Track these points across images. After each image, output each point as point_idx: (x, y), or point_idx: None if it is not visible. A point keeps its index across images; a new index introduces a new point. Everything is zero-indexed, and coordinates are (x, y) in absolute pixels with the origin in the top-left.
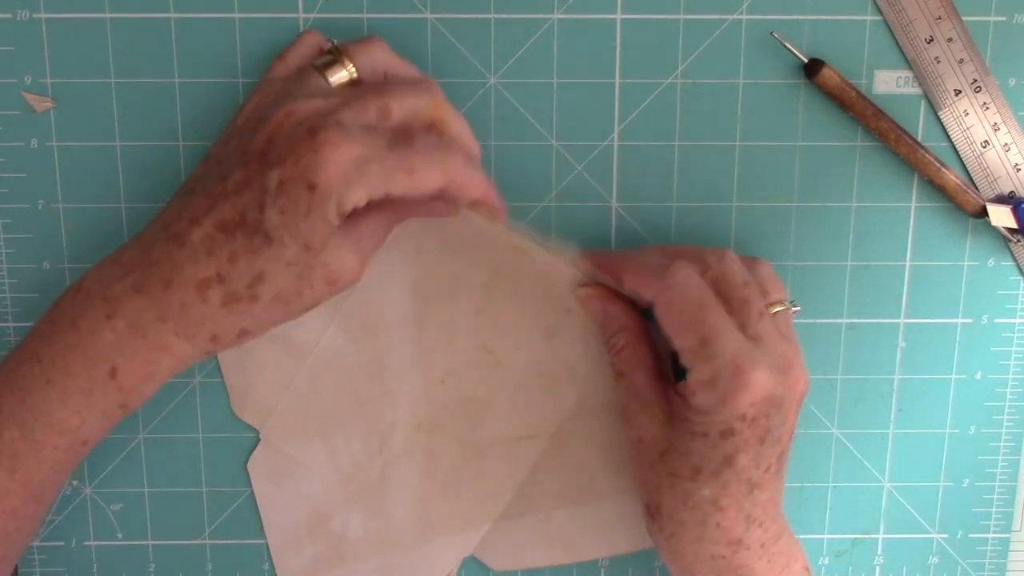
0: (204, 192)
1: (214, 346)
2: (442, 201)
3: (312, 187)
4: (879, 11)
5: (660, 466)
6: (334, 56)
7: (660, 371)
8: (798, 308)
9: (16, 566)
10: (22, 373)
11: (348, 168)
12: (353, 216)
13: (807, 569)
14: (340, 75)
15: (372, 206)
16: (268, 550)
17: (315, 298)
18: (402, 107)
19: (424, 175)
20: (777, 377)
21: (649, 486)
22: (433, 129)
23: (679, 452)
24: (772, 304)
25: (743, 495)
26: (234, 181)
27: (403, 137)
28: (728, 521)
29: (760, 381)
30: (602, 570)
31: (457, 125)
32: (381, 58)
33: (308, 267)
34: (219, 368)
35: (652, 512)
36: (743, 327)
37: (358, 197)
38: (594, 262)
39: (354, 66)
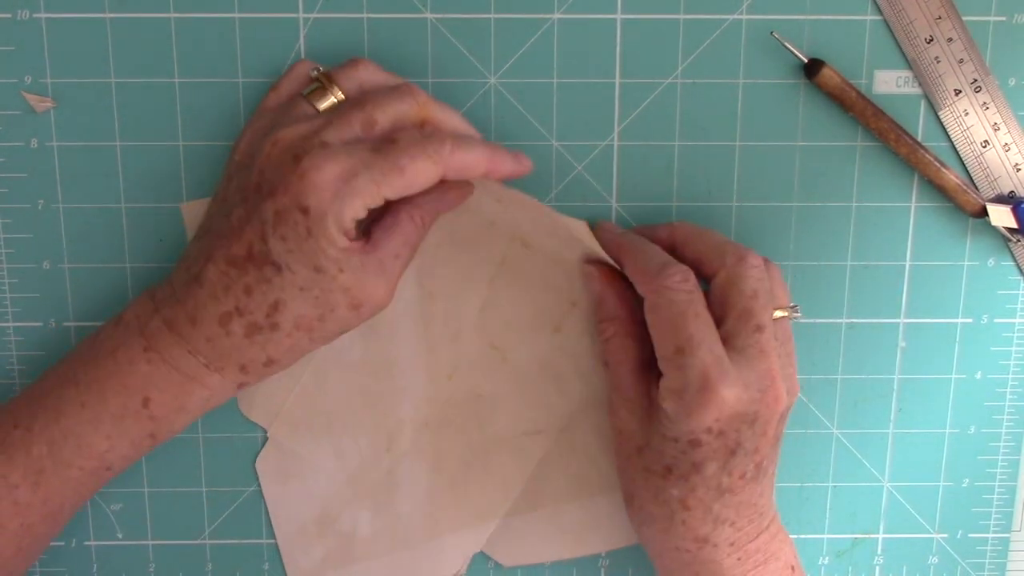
0: (215, 231)
1: (244, 377)
2: (452, 189)
3: (305, 210)
4: (879, 11)
5: (636, 459)
6: (321, 83)
7: (645, 366)
8: (798, 315)
9: None
10: (58, 393)
11: (336, 184)
12: (372, 239)
13: (792, 568)
14: (327, 100)
15: (389, 225)
16: (268, 550)
17: (340, 324)
18: (386, 114)
19: (416, 169)
20: (751, 394)
21: (625, 476)
22: (424, 127)
23: (654, 450)
24: (775, 309)
25: (712, 499)
26: (236, 218)
27: (387, 140)
28: (694, 520)
29: (728, 399)
30: (602, 569)
31: (446, 117)
32: (368, 78)
33: (324, 291)
34: None
35: (627, 500)
36: (732, 338)
37: (354, 210)
38: (605, 239)
39: (340, 90)
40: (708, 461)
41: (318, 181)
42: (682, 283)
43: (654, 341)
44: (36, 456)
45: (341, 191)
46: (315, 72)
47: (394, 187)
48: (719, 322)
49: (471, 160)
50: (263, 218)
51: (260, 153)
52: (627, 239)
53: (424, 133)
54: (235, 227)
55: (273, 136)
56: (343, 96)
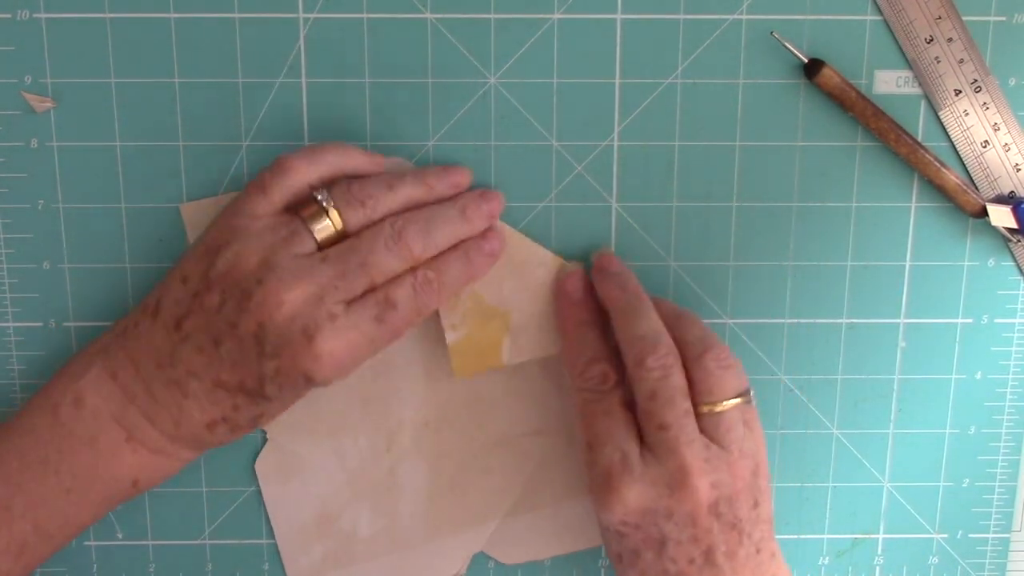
0: (195, 344)
1: (224, 444)
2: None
3: (309, 379)
4: (879, 11)
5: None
6: (319, 207)
7: None
8: (751, 404)
9: None
10: (38, 480)
11: (343, 360)
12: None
13: None
14: (324, 226)
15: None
16: (268, 550)
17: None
18: (385, 275)
19: (406, 325)
20: (658, 491)
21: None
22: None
23: (604, 539)
24: (707, 404)
25: None
26: (228, 351)
27: (388, 305)
28: None
29: (628, 497)
30: (602, 569)
31: (444, 260)
32: (368, 195)
33: (307, 388)
34: None
35: None
36: (642, 435)
37: (350, 372)
38: (562, 314)
39: (340, 218)
40: (641, 550)
41: (328, 360)
42: (599, 383)
43: (579, 435)
44: (19, 532)
45: (346, 363)
46: (321, 197)
47: (387, 343)
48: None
49: (459, 284)
50: (263, 371)
51: (255, 298)
52: (576, 318)
53: (419, 290)
54: (225, 358)
55: (277, 291)
56: (342, 228)
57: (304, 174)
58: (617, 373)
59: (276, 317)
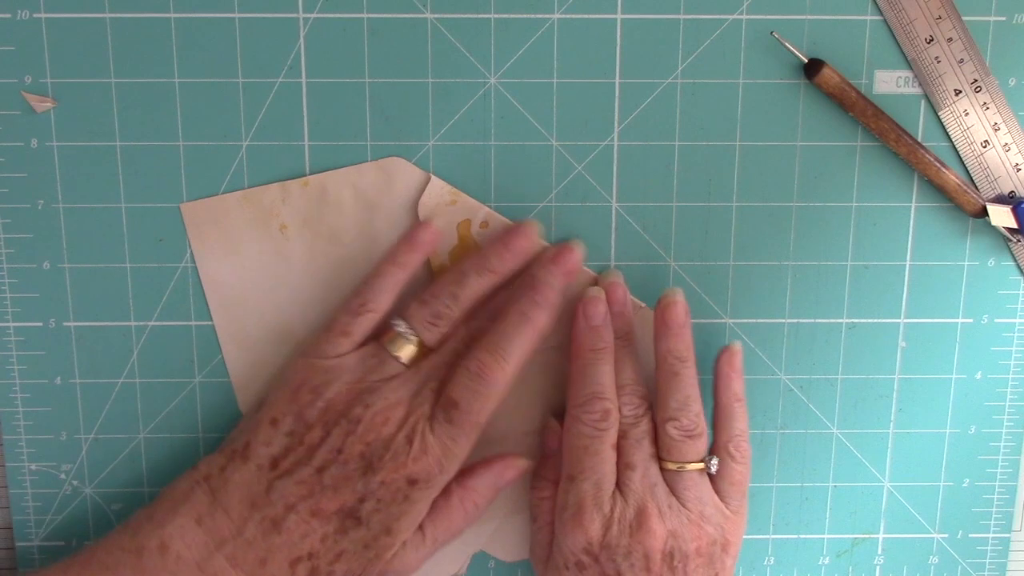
0: (295, 478)
1: None
2: (507, 471)
3: (413, 482)
4: (879, 11)
5: None
6: (397, 334)
7: None
8: (712, 470)
9: (17, 566)
10: None
11: (442, 462)
12: (428, 517)
13: None
14: (408, 350)
15: (443, 510)
16: None
17: None
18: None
19: (480, 417)
20: (622, 528)
21: None
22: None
23: None
24: (669, 461)
25: None
26: (331, 476)
27: (450, 406)
28: None
29: (595, 530)
30: None
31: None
32: (438, 312)
33: (377, 555)
34: (219, 368)
35: None
36: (618, 473)
37: (448, 479)
38: (577, 340)
39: (419, 339)
40: None
41: (430, 464)
42: (598, 421)
43: (563, 458)
44: None
45: (445, 466)
46: (399, 327)
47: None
48: None
49: (514, 350)
50: (368, 488)
51: (362, 423)
52: (590, 346)
53: (469, 372)
54: (328, 484)
55: (379, 410)
56: (421, 347)
57: (380, 310)
58: (616, 413)
59: (383, 433)
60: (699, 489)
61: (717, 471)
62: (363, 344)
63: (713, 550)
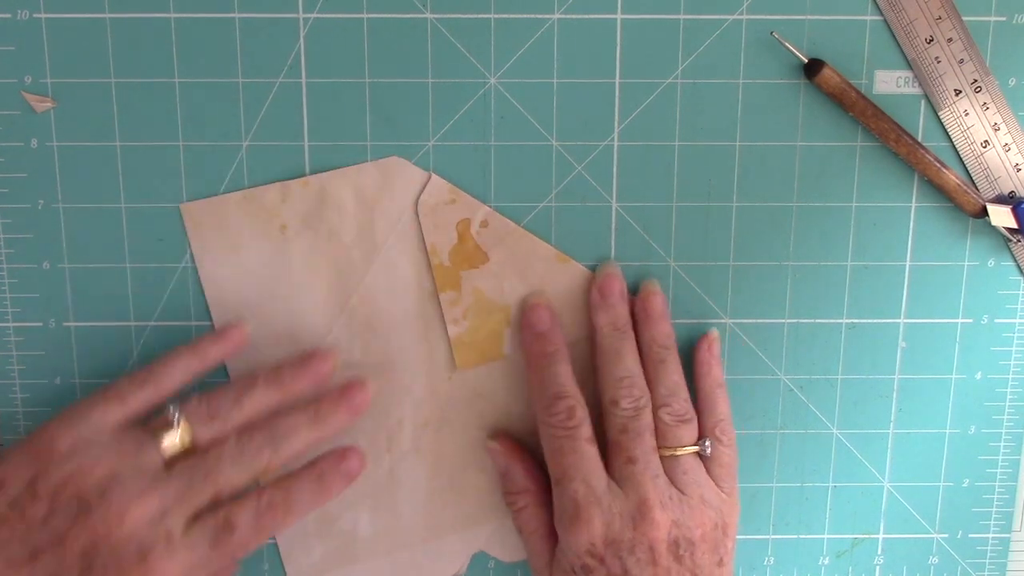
0: (4, 556)
1: None
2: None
3: None
4: (879, 11)
5: None
6: (167, 420)
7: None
8: (707, 451)
9: None
10: None
11: None
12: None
13: None
14: (172, 442)
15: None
16: (268, 550)
17: None
18: (232, 487)
19: (244, 550)
20: (623, 523)
21: None
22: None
23: None
24: (665, 448)
25: None
26: (41, 567)
27: (226, 528)
28: None
29: (597, 525)
30: None
31: (294, 481)
32: (221, 412)
33: None
34: (219, 368)
35: None
36: (609, 467)
37: None
38: (527, 350)
39: (189, 432)
40: None
41: None
42: (565, 420)
43: (548, 466)
44: None
45: None
46: (172, 410)
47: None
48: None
49: (309, 507)
50: None
51: (100, 518)
52: (542, 351)
53: (259, 512)
54: (39, 573)
55: (120, 510)
56: (190, 444)
57: (163, 390)
58: (583, 408)
59: (114, 534)
60: (696, 473)
61: (708, 456)
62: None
63: (716, 535)
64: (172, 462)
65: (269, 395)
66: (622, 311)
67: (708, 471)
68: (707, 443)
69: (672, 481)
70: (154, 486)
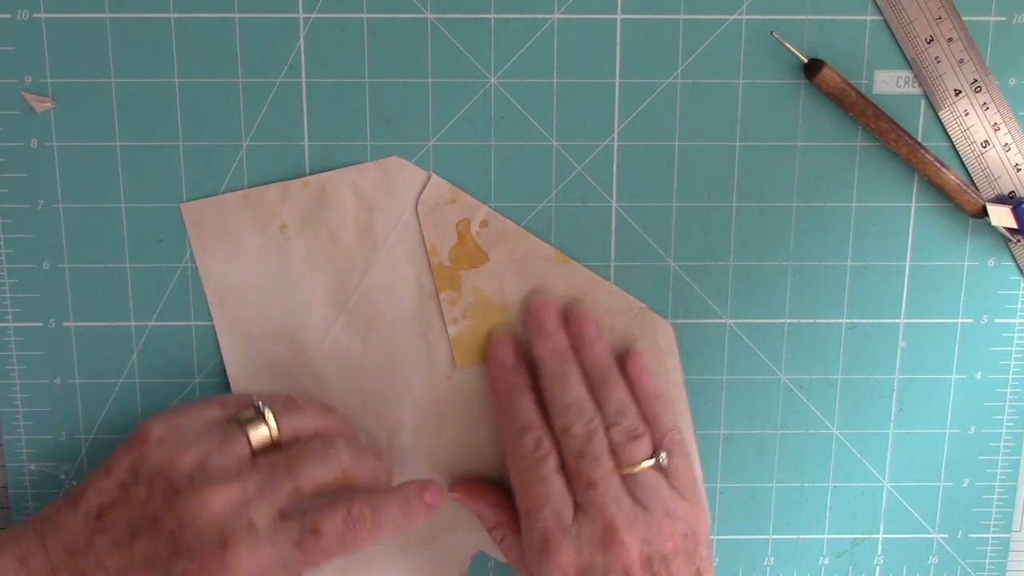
0: (113, 536)
1: None
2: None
3: None
4: (879, 11)
5: None
6: (260, 414)
7: None
8: (663, 464)
9: None
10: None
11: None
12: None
13: None
14: (260, 434)
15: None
16: None
17: None
18: (313, 482)
19: (327, 558)
20: (592, 549)
21: None
22: (345, 486)
23: None
24: (622, 467)
25: None
26: (141, 547)
27: (312, 532)
28: None
29: (566, 558)
30: None
31: (366, 474)
32: (304, 426)
33: None
34: (219, 368)
35: None
36: (573, 493)
37: None
38: (494, 379)
39: (277, 425)
40: None
41: (238, 573)
42: (532, 451)
43: (516, 499)
44: None
45: None
46: (260, 403)
47: (303, 573)
48: None
49: (393, 528)
50: (170, 570)
51: (182, 498)
52: (508, 385)
53: (345, 521)
54: (136, 556)
55: (204, 492)
56: (277, 435)
57: (253, 400)
58: (550, 439)
59: (198, 519)
60: (657, 487)
61: (666, 467)
62: None
63: (688, 545)
64: (258, 454)
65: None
66: (560, 338)
67: (669, 483)
68: (662, 455)
69: (635, 499)
70: (239, 476)
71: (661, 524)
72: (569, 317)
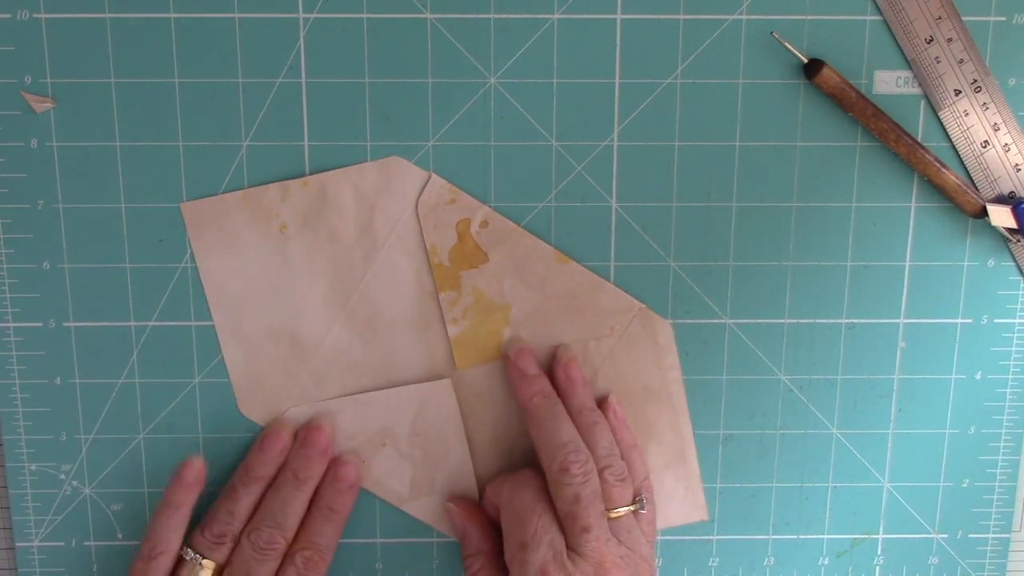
0: None
1: None
2: None
3: None
4: (879, 11)
5: None
6: (191, 563)
7: None
8: (643, 510)
9: (16, 567)
10: None
11: None
12: None
13: None
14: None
15: None
16: None
17: None
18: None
19: None
20: None
21: None
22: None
23: None
24: (614, 507)
25: None
26: None
27: None
28: None
29: None
30: None
31: (313, 530)
32: (220, 531)
33: None
34: (219, 368)
35: None
36: (565, 535)
37: None
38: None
39: (212, 562)
40: None
41: None
42: (529, 481)
43: (504, 537)
44: None
45: None
46: (188, 557)
47: None
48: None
49: (337, 538)
50: None
51: None
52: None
53: (299, 569)
54: None
55: None
56: (215, 566)
57: (170, 551)
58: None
59: None
60: (635, 531)
61: (643, 513)
62: None
63: None
64: None
65: (250, 491)
66: (545, 382)
67: (640, 527)
68: (642, 499)
69: (620, 541)
70: None
71: (639, 567)
72: (557, 361)
